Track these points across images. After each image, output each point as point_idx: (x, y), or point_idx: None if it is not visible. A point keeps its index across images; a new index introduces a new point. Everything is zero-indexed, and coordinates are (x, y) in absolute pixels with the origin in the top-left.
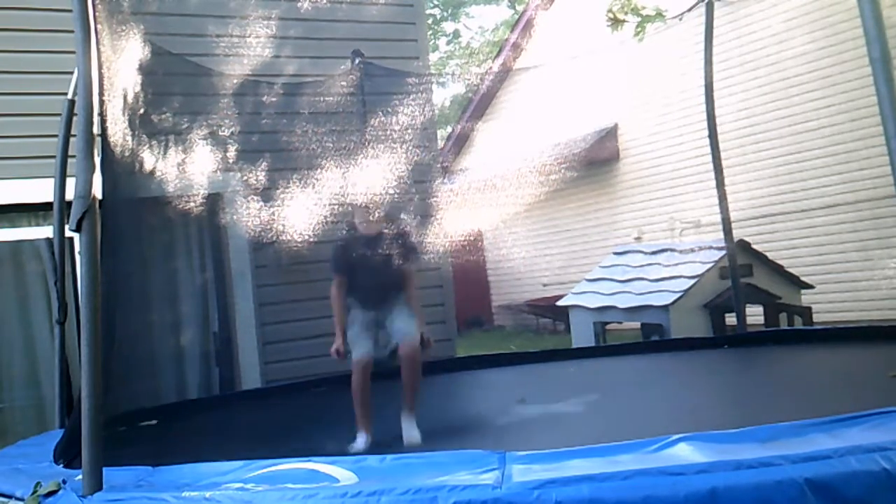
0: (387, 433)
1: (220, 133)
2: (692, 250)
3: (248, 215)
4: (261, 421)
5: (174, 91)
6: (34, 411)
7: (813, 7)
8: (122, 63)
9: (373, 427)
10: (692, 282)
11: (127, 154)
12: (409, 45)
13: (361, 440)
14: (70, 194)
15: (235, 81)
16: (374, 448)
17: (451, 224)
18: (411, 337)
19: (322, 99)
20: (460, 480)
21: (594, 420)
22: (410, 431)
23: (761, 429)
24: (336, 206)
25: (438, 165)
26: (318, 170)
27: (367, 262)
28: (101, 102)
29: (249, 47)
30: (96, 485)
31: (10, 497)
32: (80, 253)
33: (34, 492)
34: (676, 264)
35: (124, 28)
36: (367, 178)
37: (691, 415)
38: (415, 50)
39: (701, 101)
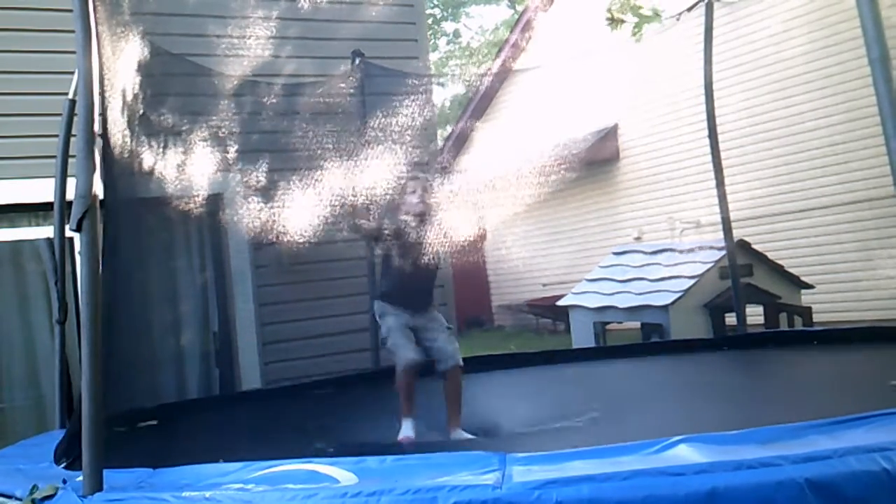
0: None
1: (221, 133)
2: (692, 250)
3: (248, 215)
4: (261, 422)
5: (175, 91)
6: (34, 411)
7: (812, 7)
8: (122, 63)
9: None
10: (692, 282)
11: (128, 154)
12: (409, 45)
13: (408, 423)
14: (70, 194)
15: (236, 82)
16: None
17: (451, 224)
18: (456, 360)
19: (322, 99)
20: (460, 481)
21: (594, 421)
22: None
23: (761, 430)
24: (336, 207)
25: (438, 165)
26: (319, 170)
27: (408, 267)
28: (102, 102)
29: (250, 48)
30: (97, 485)
31: (9, 497)
32: (80, 253)
33: (31, 494)
34: (676, 264)
35: (125, 28)
36: (368, 177)
37: (691, 416)
38: (415, 50)
39: (701, 101)
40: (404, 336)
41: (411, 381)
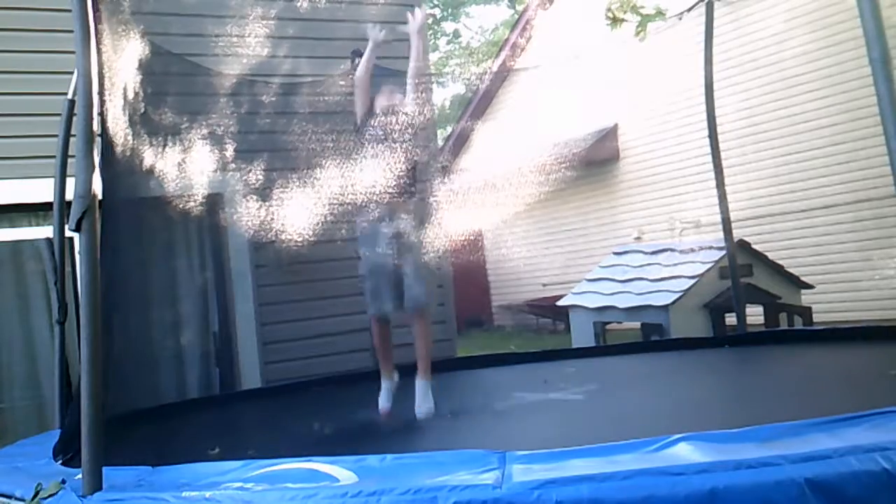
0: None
1: (221, 133)
2: (692, 250)
3: (247, 215)
4: (261, 421)
5: (175, 91)
6: (34, 411)
7: (813, 7)
8: (122, 63)
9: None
10: (692, 282)
11: (127, 154)
12: (409, 45)
13: (386, 386)
14: (70, 194)
15: (236, 81)
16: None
17: (451, 224)
18: (419, 302)
19: (322, 99)
20: (460, 480)
21: (594, 420)
22: (425, 402)
23: (761, 429)
24: (336, 206)
25: (438, 165)
26: (318, 170)
27: (380, 219)
28: (102, 102)
29: (250, 47)
30: (96, 484)
31: (9, 497)
32: (80, 253)
33: (35, 494)
34: (676, 264)
35: (124, 28)
36: (367, 177)
37: (691, 415)
38: None
39: (701, 101)
40: (375, 278)
41: (384, 333)
